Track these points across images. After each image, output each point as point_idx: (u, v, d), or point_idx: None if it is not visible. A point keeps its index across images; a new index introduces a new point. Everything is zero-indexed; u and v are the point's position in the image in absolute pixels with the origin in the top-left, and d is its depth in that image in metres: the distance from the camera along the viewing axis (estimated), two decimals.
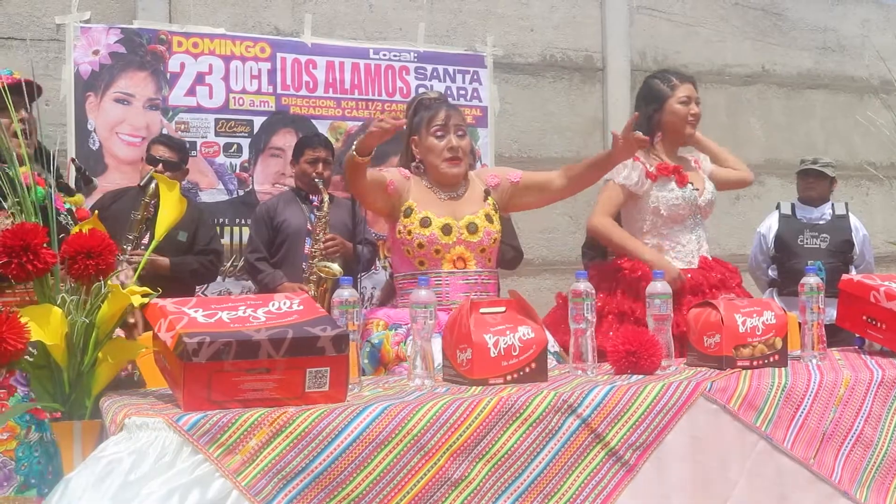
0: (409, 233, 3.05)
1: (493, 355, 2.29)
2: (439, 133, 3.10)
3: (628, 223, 3.61)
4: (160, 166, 4.22)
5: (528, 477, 2.05)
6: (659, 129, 3.60)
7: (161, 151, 4.33)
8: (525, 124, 5.74)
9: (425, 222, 3.03)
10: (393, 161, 5.24)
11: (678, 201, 3.48)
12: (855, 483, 2.32)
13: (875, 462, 2.36)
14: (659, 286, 2.54)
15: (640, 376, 2.39)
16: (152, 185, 4.06)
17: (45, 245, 2.09)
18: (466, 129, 3.18)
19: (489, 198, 3.16)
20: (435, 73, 5.36)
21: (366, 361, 2.92)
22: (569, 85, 5.85)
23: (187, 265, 4.18)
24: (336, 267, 4.25)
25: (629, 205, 3.58)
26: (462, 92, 5.39)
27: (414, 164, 3.15)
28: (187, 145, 4.61)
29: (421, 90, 5.31)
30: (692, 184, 3.54)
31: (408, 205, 3.08)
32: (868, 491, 2.33)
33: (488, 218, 3.12)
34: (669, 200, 3.48)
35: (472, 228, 3.07)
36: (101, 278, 2.13)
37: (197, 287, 4.61)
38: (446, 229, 3.04)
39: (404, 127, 2.99)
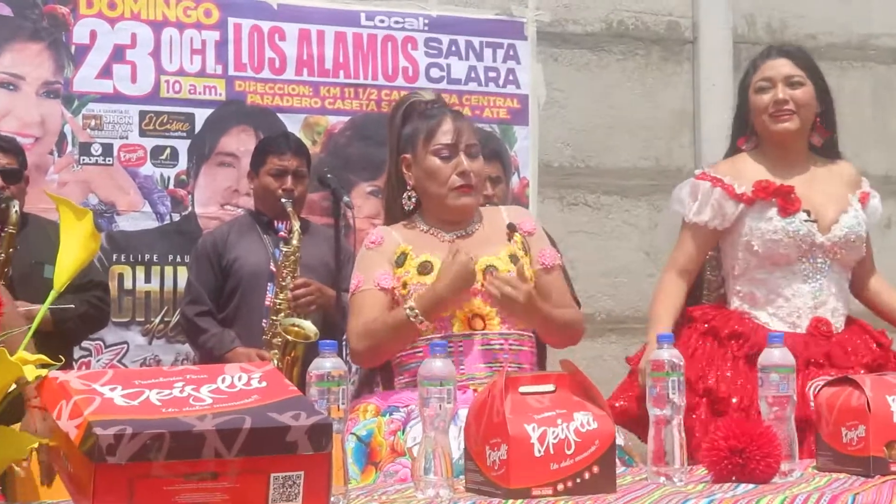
0: (405, 285, 3.09)
1: (537, 455, 2.29)
2: (445, 153, 3.13)
3: (724, 264, 3.67)
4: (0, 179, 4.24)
5: None
6: (755, 133, 3.63)
7: None
8: (582, 120, 5.76)
9: (425, 268, 3.07)
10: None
11: (778, 236, 3.47)
12: None
13: None
14: (777, 354, 2.54)
15: (751, 486, 2.38)
16: (13, 212, 4.15)
17: None
18: (480, 147, 3.23)
19: (516, 234, 3.17)
20: (454, 48, 5.39)
21: (350, 461, 2.93)
22: (645, 64, 5.88)
23: (72, 311, 4.13)
24: (310, 325, 4.27)
25: (724, 238, 3.59)
26: (493, 75, 5.43)
27: (406, 194, 3.18)
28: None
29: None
30: (807, 212, 3.50)
31: (401, 250, 3.12)
32: None
33: (514, 259, 3.14)
34: (765, 234, 3.48)
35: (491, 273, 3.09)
36: None
37: (85, 340, 4.67)
38: None
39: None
